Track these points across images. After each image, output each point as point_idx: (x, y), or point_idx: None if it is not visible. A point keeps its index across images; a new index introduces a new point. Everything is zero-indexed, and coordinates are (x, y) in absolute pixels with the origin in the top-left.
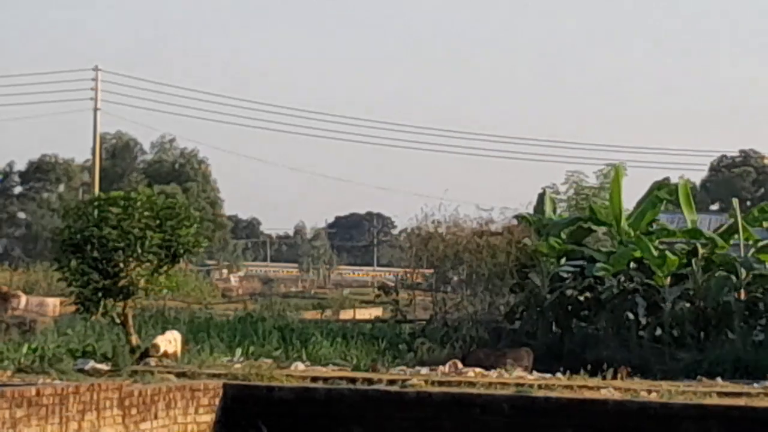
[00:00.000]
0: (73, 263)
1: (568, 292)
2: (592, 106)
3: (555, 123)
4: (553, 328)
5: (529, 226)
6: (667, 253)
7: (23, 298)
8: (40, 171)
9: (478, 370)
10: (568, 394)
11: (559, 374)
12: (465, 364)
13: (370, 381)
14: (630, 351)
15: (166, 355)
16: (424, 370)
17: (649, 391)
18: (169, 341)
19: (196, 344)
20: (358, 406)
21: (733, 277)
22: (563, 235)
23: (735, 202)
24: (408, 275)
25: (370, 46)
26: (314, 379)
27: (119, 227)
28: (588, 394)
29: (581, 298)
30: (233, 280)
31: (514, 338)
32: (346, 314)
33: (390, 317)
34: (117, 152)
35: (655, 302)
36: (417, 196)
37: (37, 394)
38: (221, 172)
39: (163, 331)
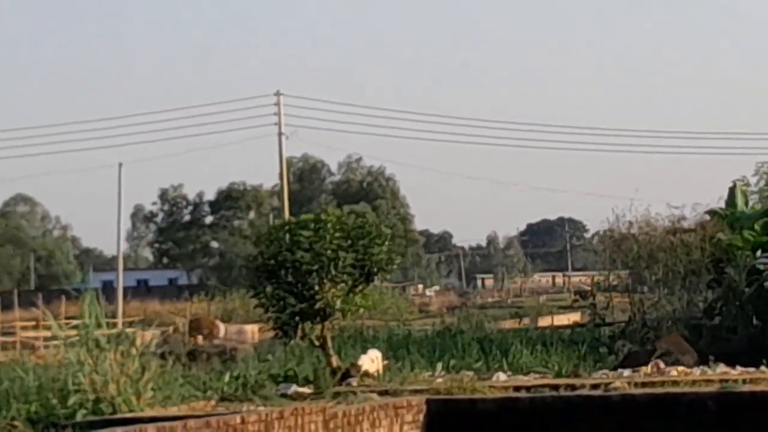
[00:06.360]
0: (269, 289)
1: (767, 284)
2: None
3: (740, 115)
4: (754, 321)
5: (722, 221)
6: None
7: (222, 327)
8: (230, 199)
9: (680, 368)
10: None
11: (763, 367)
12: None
13: (572, 387)
14: None
15: (366, 374)
16: (627, 373)
17: None
18: (371, 360)
19: (396, 361)
20: (563, 413)
21: None
22: (757, 227)
23: None
24: (604, 278)
25: (557, 54)
26: (516, 388)
27: (311, 250)
28: None
29: None
30: (429, 294)
31: (715, 334)
32: (544, 321)
33: (588, 321)
34: (304, 175)
35: None
36: (607, 198)
37: (242, 421)
38: (409, 187)
39: (363, 350)
